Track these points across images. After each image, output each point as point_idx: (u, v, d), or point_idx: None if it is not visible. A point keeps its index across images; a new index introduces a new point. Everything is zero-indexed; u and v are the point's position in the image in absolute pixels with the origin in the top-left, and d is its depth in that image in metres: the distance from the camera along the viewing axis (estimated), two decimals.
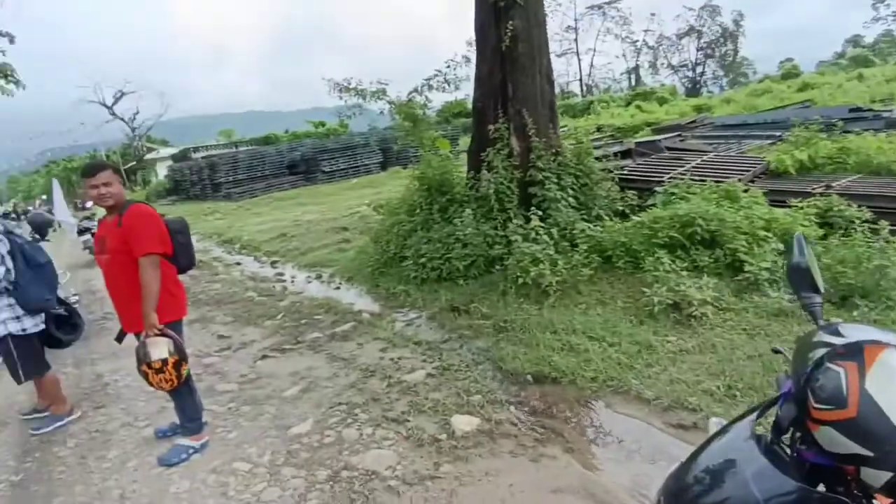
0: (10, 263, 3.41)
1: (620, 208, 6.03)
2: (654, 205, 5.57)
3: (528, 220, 5.48)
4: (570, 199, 5.80)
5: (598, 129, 19.83)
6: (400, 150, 24.09)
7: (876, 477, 0.79)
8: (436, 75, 7.19)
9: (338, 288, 6.76)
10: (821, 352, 0.90)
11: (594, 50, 59.03)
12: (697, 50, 58.23)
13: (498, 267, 5.49)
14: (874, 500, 0.86)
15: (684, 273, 4.30)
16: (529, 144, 5.86)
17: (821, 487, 0.94)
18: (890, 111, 12.22)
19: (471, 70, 6.60)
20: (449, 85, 7.19)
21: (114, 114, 43.42)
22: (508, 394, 3.55)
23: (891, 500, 0.84)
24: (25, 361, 3.55)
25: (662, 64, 59.94)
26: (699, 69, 58.75)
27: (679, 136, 11.98)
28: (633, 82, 57.77)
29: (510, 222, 5.58)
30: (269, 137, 38.53)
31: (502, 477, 2.69)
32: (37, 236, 7.26)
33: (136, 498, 2.80)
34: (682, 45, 58.91)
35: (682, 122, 18.05)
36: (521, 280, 4.92)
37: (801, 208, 4.76)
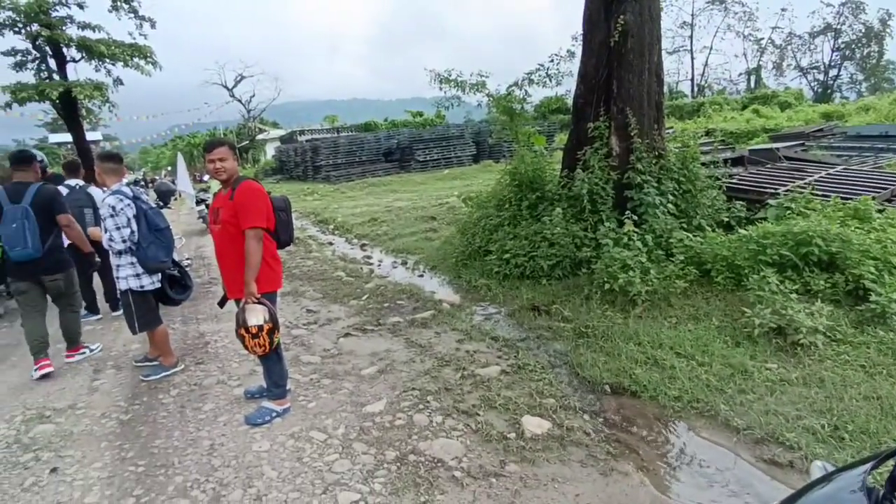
0: (134, 226, 3.82)
1: (726, 219, 5.60)
2: (764, 218, 5.11)
3: (621, 224, 5.26)
4: (670, 206, 5.48)
5: (708, 133, 18.56)
6: (494, 144, 24.04)
7: None
8: (538, 69, 7.06)
9: (421, 275, 6.90)
10: None
11: (710, 48, 54.84)
12: (833, 50, 52.29)
13: (584, 270, 5.31)
14: None
15: (793, 296, 3.90)
16: (630, 145, 5.60)
17: None
18: None
19: (574, 65, 6.42)
20: (550, 79, 7.04)
21: (233, 96, 47.27)
22: (583, 401, 3.44)
23: None
24: (141, 315, 3.98)
25: (789, 65, 54.58)
26: (833, 72, 52.80)
27: (802, 144, 10.88)
28: (753, 84, 53.13)
29: (602, 225, 5.38)
30: (369, 125, 40.06)
31: (569, 485, 2.61)
32: (160, 203, 8.08)
33: (223, 451, 3.04)
34: (815, 45, 53.23)
35: (806, 129, 16.38)
36: (607, 286, 4.73)
37: None
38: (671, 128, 20.25)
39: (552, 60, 6.96)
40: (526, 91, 7.18)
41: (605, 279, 4.78)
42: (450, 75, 7.31)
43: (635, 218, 5.18)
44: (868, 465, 0.90)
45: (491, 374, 3.78)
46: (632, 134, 5.52)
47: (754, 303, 3.98)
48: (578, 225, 5.58)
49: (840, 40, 51.77)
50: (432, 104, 10.45)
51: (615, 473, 2.70)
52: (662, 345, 3.93)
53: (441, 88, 7.32)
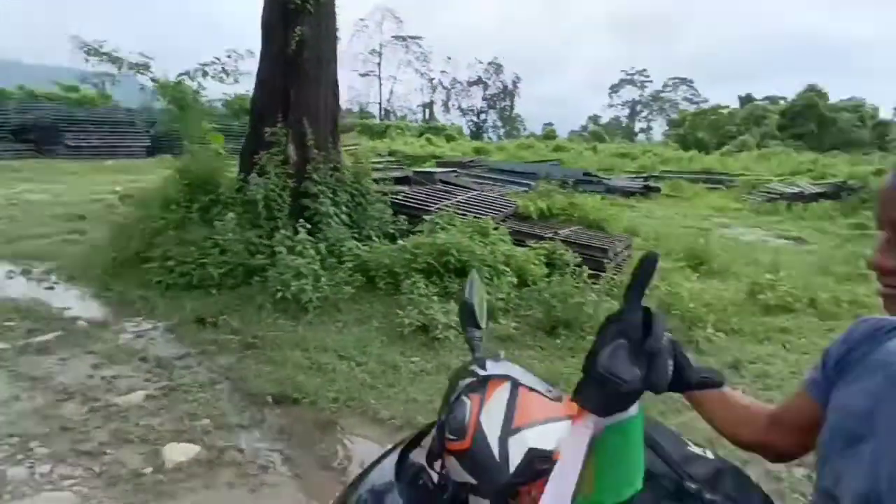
0: None
1: (392, 231, 6.25)
2: (421, 231, 5.91)
3: (296, 231, 5.29)
4: (343, 217, 5.80)
5: (391, 154, 20.71)
6: (168, 136, 21.28)
7: (478, 503, 0.86)
8: (213, 63, 6.55)
9: (51, 288, 5.50)
10: (463, 384, 0.97)
11: (395, 78, 61.84)
12: (483, 99, 65.70)
13: (258, 278, 5.14)
14: None
15: (435, 298, 4.61)
16: (307, 155, 5.71)
17: None
18: (609, 179, 15.42)
19: (253, 65, 6.19)
20: (228, 76, 6.62)
21: None
22: (243, 417, 3.28)
23: None
24: None
25: (453, 105, 65.96)
26: (483, 116, 66.23)
27: (455, 171, 13.14)
28: (427, 116, 62.17)
29: (277, 232, 5.31)
30: None
31: None
32: None
33: None
34: (471, 92, 65.80)
35: (463, 160, 19.95)
36: (280, 294, 4.68)
37: (535, 249, 5.57)
38: (357, 144, 21.82)
39: (230, 56, 6.57)
40: (200, 83, 6.57)
41: (279, 287, 4.72)
42: (101, 47, 6.12)
43: (310, 226, 5.29)
44: (402, 445, 1.06)
45: (132, 401, 3.25)
46: (308, 144, 5.65)
47: (406, 305, 4.53)
48: (253, 231, 5.38)
49: (487, 92, 65.38)
50: (78, 77, 8.57)
51: (265, 487, 2.64)
52: (328, 349, 4.09)
53: (88, 60, 6.06)
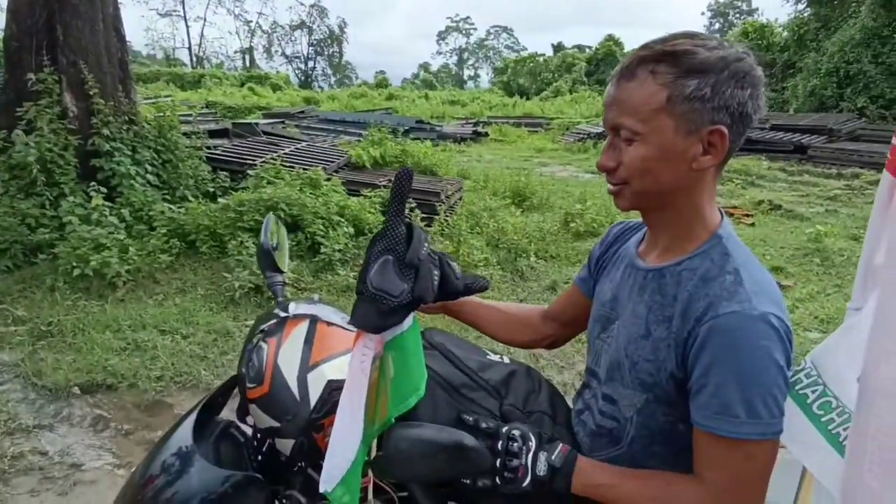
0: None
1: (211, 190, 5.70)
2: (245, 188, 5.48)
3: (89, 197, 4.53)
4: (150, 177, 5.12)
5: (209, 106, 18.58)
6: None
7: (283, 445, 0.85)
8: None
9: None
10: (260, 331, 0.93)
11: (204, 19, 54.87)
12: (309, 45, 61.75)
13: (44, 256, 4.34)
14: (308, 468, 0.93)
15: None
16: (91, 106, 4.84)
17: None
18: (441, 126, 15.82)
19: None
20: None
21: None
22: (41, 416, 2.82)
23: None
24: None
25: (277, 51, 61.01)
26: (311, 63, 62.48)
27: (282, 122, 12.33)
28: (248, 63, 56.71)
29: (64, 200, 4.49)
30: None
31: None
32: None
33: None
34: (294, 38, 61.31)
35: (291, 110, 18.77)
36: (77, 271, 4.02)
37: (369, 197, 5.54)
38: (170, 95, 19.19)
39: None
40: None
41: (74, 264, 4.04)
42: None
43: (105, 191, 4.58)
44: (205, 398, 1.00)
45: None
46: (91, 93, 4.78)
47: (234, 267, 4.22)
48: (30, 201, 4.47)
49: (313, 37, 61.53)
50: None
51: (79, 487, 2.35)
52: (146, 325, 3.68)
53: None
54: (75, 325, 3.64)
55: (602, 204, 7.19)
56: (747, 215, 7.15)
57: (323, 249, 4.57)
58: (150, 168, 5.17)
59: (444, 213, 5.71)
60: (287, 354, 0.86)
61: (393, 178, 0.69)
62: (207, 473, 0.87)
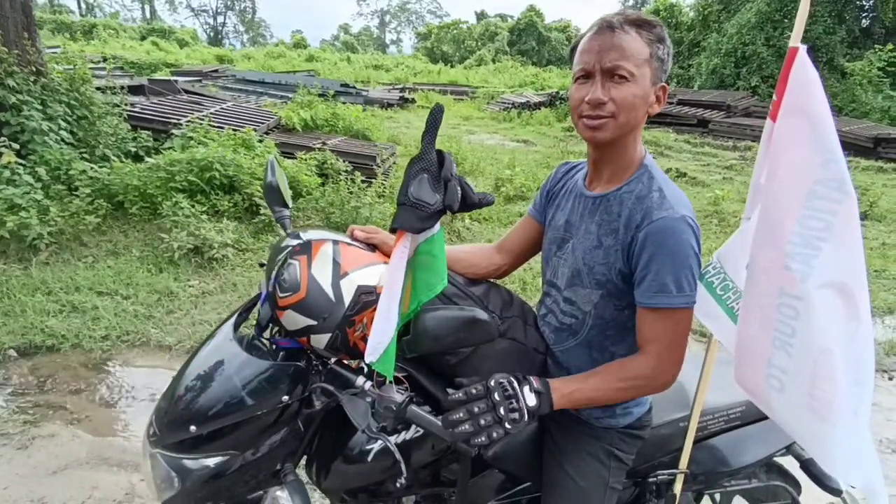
0: None
1: (133, 149, 5.41)
2: (171, 148, 5.26)
3: None
4: (63, 133, 4.78)
5: (106, 60, 16.93)
6: None
7: (319, 340, 1.03)
8: None
9: None
10: (285, 252, 1.09)
11: None
12: None
13: None
14: (329, 364, 1.12)
15: (204, 217, 4.30)
16: None
17: None
18: (366, 90, 15.56)
19: None
20: None
21: None
22: None
23: (346, 357, 1.12)
24: None
25: (181, 3, 56.02)
26: (221, 19, 58.06)
27: (200, 81, 11.63)
28: (149, 15, 51.69)
29: None
30: None
31: None
32: None
33: None
34: None
35: (204, 69, 17.57)
36: None
37: (306, 160, 5.52)
38: (58, 46, 17.25)
39: None
40: None
41: None
42: None
43: (17, 147, 4.26)
44: (233, 318, 1.15)
45: None
46: None
47: (171, 228, 4.13)
48: None
49: None
50: None
51: (38, 440, 2.35)
52: (80, 288, 3.56)
53: None
54: None
55: (529, 170, 7.60)
56: None
57: (262, 211, 4.56)
58: (63, 124, 4.82)
59: (381, 176, 5.82)
60: (319, 266, 1.02)
61: (429, 112, 0.87)
62: (253, 365, 1.02)
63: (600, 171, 1.15)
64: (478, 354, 1.14)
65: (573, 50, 1.10)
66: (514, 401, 0.95)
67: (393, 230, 0.91)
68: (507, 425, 0.93)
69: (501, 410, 0.94)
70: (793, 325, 0.87)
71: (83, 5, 47.68)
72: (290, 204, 1.30)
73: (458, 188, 0.90)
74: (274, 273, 1.07)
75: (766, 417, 1.29)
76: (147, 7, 53.57)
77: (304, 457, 1.22)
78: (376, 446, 1.13)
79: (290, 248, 1.10)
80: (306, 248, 1.06)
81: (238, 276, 3.98)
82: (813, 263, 0.85)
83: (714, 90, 16.86)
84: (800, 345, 0.87)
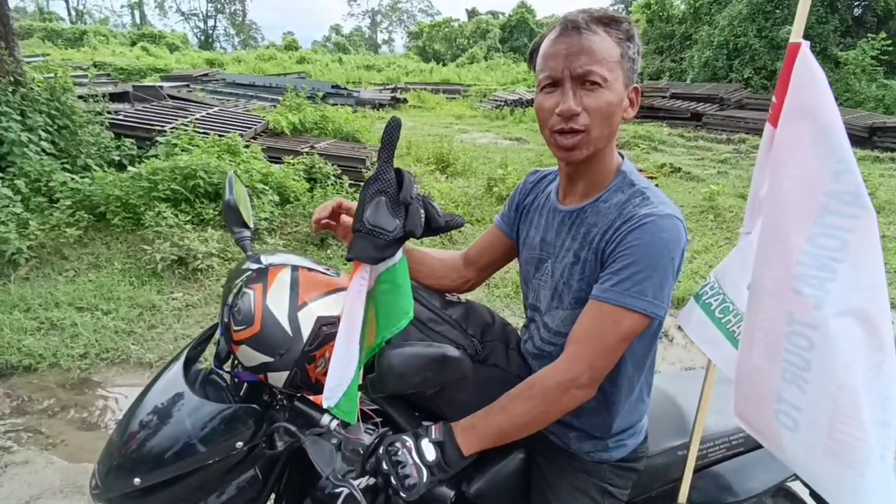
0: None
1: (117, 158, 5.30)
2: (156, 155, 5.15)
3: None
4: (44, 144, 4.68)
5: (96, 66, 16.78)
6: None
7: (278, 378, 0.93)
8: None
9: None
10: (241, 279, 0.99)
11: None
12: (208, 2, 56.92)
13: None
14: (293, 401, 1.02)
15: (189, 227, 4.19)
16: None
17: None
18: (358, 91, 15.44)
19: None
20: None
21: None
22: None
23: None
24: None
25: (171, 7, 55.72)
26: (211, 22, 57.79)
27: (187, 86, 11.50)
28: (138, 20, 51.40)
29: None
30: None
31: None
32: None
33: None
34: None
35: (194, 73, 17.45)
36: None
37: (293, 164, 5.40)
38: (47, 54, 17.08)
39: None
40: None
41: None
42: None
43: None
44: (185, 352, 1.05)
45: None
46: None
47: (153, 239, 4.02)
48: None
49: None
50: None
51: (11, 468, 2.25)
52: (59, 303, 3.45)
53: None
54: None
55: (522, 169, 7.49)
56: (651, 177, 7.78)
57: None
58: (43, 135, 4.71)
59: None
60: (275, 296, 0.92)
61: (385, 126, 0.78)
62: (205, 409, 0.93)
63: (574, 184, 1.06)
64: (455, 385, 1.05)
65: (533, 53, 1.00)
66: (402, 466, 0.87)
67: (349, 260, 0.81)
68: (404, 494, 0.86)
69: (393, 481, 0.87)
70: (806, 356, 0.77)
71: (73, 12, 47.38)
72: (251, 224, 1.20)
73: (421, 211, 0.80)
74: (229, 302, 0.97)
75: None
76: (137, 12, 53.29)
77: (273, 496, 1.13)
78: (346, 490, 1.03)
79: (247, 273, 1.00)
80: (262, 276, 0.96)
81: (223, 286, 3.87)
82: (828, 288, 0.75)
83: (707, 83, 16.79)
84: (816, 380, 0.77)
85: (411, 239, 0.83)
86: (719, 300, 1.05)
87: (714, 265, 4.64)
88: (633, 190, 0.98)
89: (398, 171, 0.80)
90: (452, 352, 0.85)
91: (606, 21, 0.93)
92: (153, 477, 0.90)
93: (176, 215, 4.23)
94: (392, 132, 0.78)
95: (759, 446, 1.28)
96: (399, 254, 0.83)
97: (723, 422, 1.28)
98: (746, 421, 0.90)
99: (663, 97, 14.99)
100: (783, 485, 1.33)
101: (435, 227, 0.83)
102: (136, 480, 0.90)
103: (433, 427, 0.92)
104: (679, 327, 3.73)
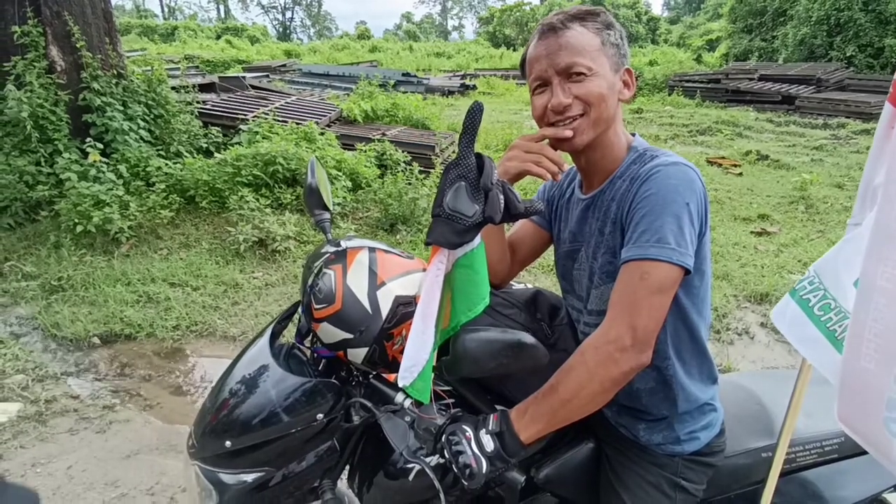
0: None
1: (204, 145, 5.66)
2: (239, 143, 5.45)
3: (85, 154, 4.51)
4: (142, 132, 5.07)
5: (187, 59, 17.94)
6: None
7: (356, 354, 0.97)
8: None
9: None
10: (321, 261, 1.03)
11: None
12: None
13: (45, 213, 4.36)
14: (369, 378, 1.06)
15: (268, 210, 4.42)
16: (79, 60, 4.73)
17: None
18: (428, 79, 15.52)
19: None
20: None
21: None
22: (66, 364, 2.95)
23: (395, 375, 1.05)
24: None
25: (252, 1, 58.37)
26: (288, 14, 60.00)
27: (267, 76, 12.04)
28: (223, 14, 54.30)
29: (60, 156, 4.46)
30: None
31: (56, 462, 2.24)
32: None
33: None
34: None
35: (273, 64, 18.24)
36: (80, 227, 4.05)
37: (365, 151, 5.55)
38: (144, 49, 18.44)
39: None
40: None
41: (76, 220, 4.07)
42: None
43: (101, 147, 4.54)
44: (271, 327, 1.11)
45: None
46: (78, 46, 4.66)
47: (237, 221, 4.28)
48: (25, 158, 4.44)
49: None
50: None
51: (115, 425, 2.49)
52: (155, 279, 3.76)
53: None
54: (85, 279, 3.71)
55: None
56: (735, 165, 7.29)
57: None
58: (142, 123, 5.11)
59: (440, 166, 5.75)
60: (355, 277, 0.96)
61: (466, 111, 0.78)
62: (289, 381, 0.99)
63: (590, 173, 1.08)
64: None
65: (523, 64, 1.05)
66: (462, 455, 0.87)
67: (427, 244, 0.82)
68: (465, 482, 0.86)
69: (454, 469, 0.87)
70: None
71: (166, 9, 50.80)
72: (331, 206, 1.24)
73: (501, 197, 0.80)
74: (309, 283, 1.02)
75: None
76: (222, 7, 56.30)
77: (348, 467, 1.18)
78: (418, 465, 1.06)
79: (325, 255, 1.04)
80: (341, 257, 1.00)
81: (299, 267, 4.06)
82: None
83: (802, 63, 15.43)
84: None
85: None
86: (819, 296, 0.97)
87: (804, 260, 4.30)
88: (645, 157, 1.00)
89: (479, 157, 0.80)
90: (529, 339, 0.84)
91: (581, 16, 0.98)
92: (242, 441, 0.97)
93: (257, 199, 4.48)
94: (474, 117, 0.78)
95: (855, 454, 1.19)
96: (477, 239, 0.83)
97: (814, 425, 1.19)
98: (852, 428, 0.83)
99: (750, 79, 13.95)
100: (879, 496, 1.23)
101: (514, 213, 0.83)
102: (228, 443, 0.97)
103: (492, 417, 0.92)
104: (762, 324, 3.51)
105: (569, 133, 0.96)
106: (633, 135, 1.08)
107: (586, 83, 0.95)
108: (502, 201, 0.80)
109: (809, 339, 0.98)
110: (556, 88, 0.96)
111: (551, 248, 1.25)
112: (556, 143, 1.00)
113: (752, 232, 4.96)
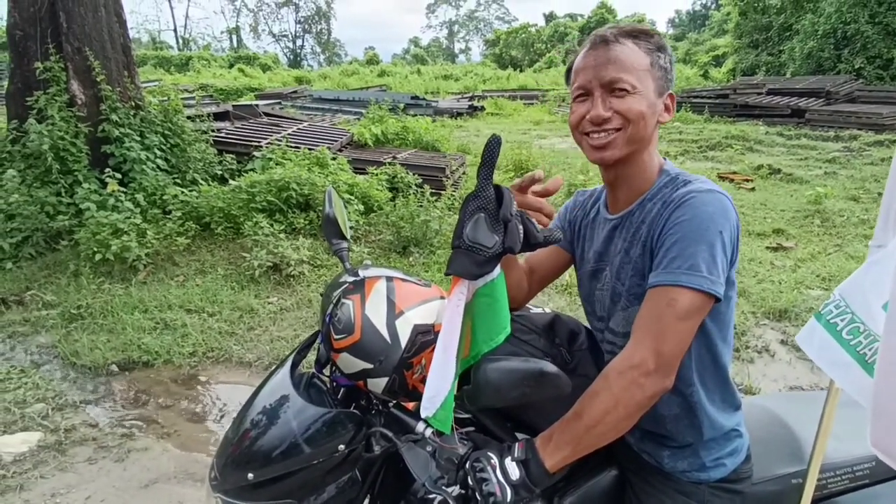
0: None
1: (219, 172, 5.76)
2: (253, 169, 5.55)
3: (104, 184, 4.61)
4: (159, 161, 5.18)
5: (201, 88, 18.40)
6: None
7: (376, 384, 0.97)
8: None
9: None
10: (340, 290, 1.04)
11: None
12: (297, 23, 60.60)
13: (65, 242, 4.44)
14: (389, 407, 1.06)
15: (282, 235, 4.47)
16: (98, 93, 4.88)
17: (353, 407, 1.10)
18: (436, 101, 15.74)
19: None
20: None
21: None
22: (85, 392, 2.97)
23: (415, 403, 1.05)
24: None
25: (264, 30, 59.91)
26: (299, 42, 61.41)
27: (279, 103, 12.28)
28: (235, 44, 55.75)
29: (79, 187, 4.57)
30: None
31: (75, 492, 2.25)
32: None
33: None
34: (281, 15, 60.21)
35: (284, 91, 18.61)
36: (98, 256, 4.12)
37: (377, 175, 5.61)
38: (160, 80, 18.95)
39: None
40: None
41: (95, 249, 4.15)
42: None
43: (119, 176, 4.65)
44: (291, 356, 1.12)
45: None
46: (98, 80, 4.81)
47: (252, 247, 4.33)
48: (46, 189, 4.55)
49: (300, 14, 60.35)
50: None
51: (133, 454, 2.50)
52: (171, 305, 3.80)
53: None
54: (103, 307, 3.76)
55: None
56: (747, 180, 7.25)
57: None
58: (158, 153, 5.22)
59: (451, 188, 5.79)
60: (373, 306, 0.97)
61: (485, 143, 0.80)
62: (309, 411, 0.99)
63: (618, 192, 1.07)
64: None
65: (569, 71, 1.04)
66: (487, 483, 0.86)
67: (447, 275, 0.83)
68: None
69: (478, 497, 0.86)
70: None
71: (180, 41, 52.25)
72: (349, 235, 1.26)
73: (520, 227, 0.81)
74: (328, 313, 1.03)
75: None
76: (234, 37, 57.83)
77: (368, 497, 1.17)
78: (440, 495, 1.05)
79: (344, 285, 1.05)
80: (360, 287, 1.01)
81: (313, 292, 4.08)
82: None
83: (810, 76, 15.42)
84: None
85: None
86: (847, 319, 0.96)
87: (822, 275, 4.24)
88: (677, 182, 1.00)
89: (497, 188, 0.81)
90: (551, 367, 0.84)
91: (636, 34, 0.98)
92: (264, 473, 0.97)
93: (271, 224, 4.53)
94: (492, 150, 0.79)
95: (889, 478, 1.15)
96: (497, 269, 0.84)
97: (845, 449, 1.17)
98: (888, 453, 0.81)
99: (759, 94, 13.95)
100: None
101: (534, 242, 0.84)
102: (250, 476, 0.97)
103: (517, 445, 0.91)
104: (782, 342, 3.45)
105: (600, 142, 0.97)
106: (665, 159, 1.09)
107: (628, 100, 0.95)
108: (521, 231, 0.81)
109: (840, 364, 0.97)
110: (598, 101, 0.96)
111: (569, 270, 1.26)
112: (588, 153, 1.01)
113: (767, 247, 4.91)
